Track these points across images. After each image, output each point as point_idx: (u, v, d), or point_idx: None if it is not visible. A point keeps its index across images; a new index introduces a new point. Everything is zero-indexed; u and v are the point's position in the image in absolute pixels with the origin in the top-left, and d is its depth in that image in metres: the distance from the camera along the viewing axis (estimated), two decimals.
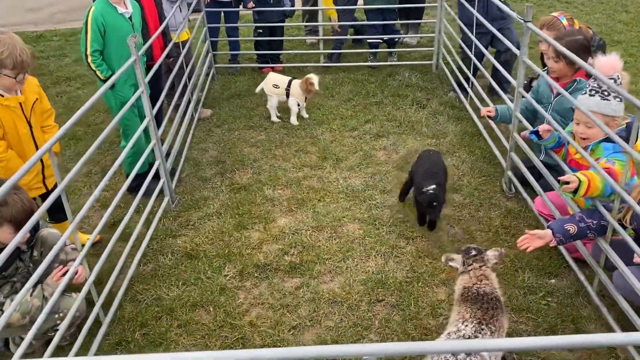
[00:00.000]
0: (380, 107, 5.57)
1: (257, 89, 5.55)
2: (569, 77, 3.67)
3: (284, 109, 5.53)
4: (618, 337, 1.36)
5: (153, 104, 3.94)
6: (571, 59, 3.15)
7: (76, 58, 7.48)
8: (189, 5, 5.32)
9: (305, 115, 5.43)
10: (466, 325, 2.45)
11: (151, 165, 4.11)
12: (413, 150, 4.77)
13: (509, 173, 4.11)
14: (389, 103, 5.65)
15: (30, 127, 3.13)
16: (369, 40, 6.59)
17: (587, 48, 3.60)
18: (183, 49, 5.00)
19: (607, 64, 3.02)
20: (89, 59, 3.85)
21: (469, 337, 2.38)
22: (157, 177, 4.01)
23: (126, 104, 3.54)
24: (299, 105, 5.30)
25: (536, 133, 3.36)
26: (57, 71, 6.96)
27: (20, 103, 3.04)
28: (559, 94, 3.60)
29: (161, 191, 4.08)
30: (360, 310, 3.18)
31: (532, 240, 2.93)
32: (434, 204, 3.65)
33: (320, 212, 4.03)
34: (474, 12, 4.88)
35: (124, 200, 4.06)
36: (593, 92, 3.03)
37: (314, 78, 5.19)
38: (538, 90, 3.91)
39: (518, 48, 3.82)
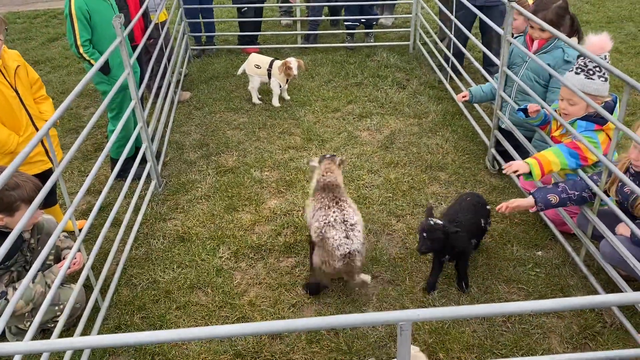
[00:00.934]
0: (361, 88, 5.61)
1: (239, 71, 5.49)
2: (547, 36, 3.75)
3: (264, 91, 5.50)
4: (598, 298, 1.45)
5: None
6: (554, 34, 3.24)
7: (43, 41, 7.24)
8: None
9: (287, 97, 5.41)
10: (328, 207, 2.97)
11: (137, 149, 4.05)
12: (397, 130, 4.83)
13: (493, 150, 4.22)
14: (370, 84, 5.68)
15: (19, 95, 3.04)
16: (345, 22, 6.60)
17: (566, 9, 3.69)
18: (162, 30, 4.90)
19: (597, 44, 3.10)
20: (81, 50, 3.72)
21: (334, 216, 2.92)
22: (141, 161, 3.95)
23: (123, 88, 3.47)
24: (280, 86, 5.28)
25: (524, 111, 3.46)
26: (24, 54, 6.62)
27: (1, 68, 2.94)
28: (535, 53, 3.71)
29: (147, 175, 4.02)
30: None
31: (512, 203, 3.07)
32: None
33: (309, 193, 4.05)
34: None
35: (100, 182, 4.01)
36: (579, 70, 3.14)
37: (293, 62, 5.15)
38: (511, 52, 3.98)
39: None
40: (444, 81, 5.51)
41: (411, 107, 5.21)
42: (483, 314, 1.51)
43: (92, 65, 3.71)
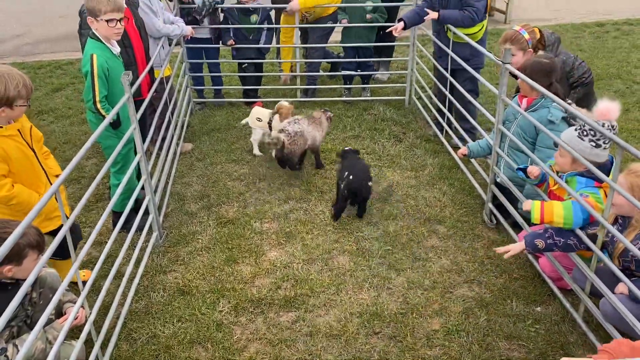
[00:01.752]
0: (359, 141, 5.73)
1: (242, 122, 5.66)
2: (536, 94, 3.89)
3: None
4: None
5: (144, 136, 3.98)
6: (534, 87, 3.40)
7: (47, 91, 7.38)
8: (170, 42, 5.39)
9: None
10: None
11: (137, 201, 4.10)
12: (394, 182, 4.92)
13: (490, 205, 4.30)
14: (367, 137, 5.81)
15: (35, 154, 3.12)
16: (343, 75, 6.80)
17: (548, 72, 3.82)
18: (166, 84, 5.04)
19: (601, 109, 3.14)
20: (99, 105, 3.79)
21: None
22: (136, 210, 4.00)
23: (129, 141, 3.58)
24: None
25: (523, 170, 3.56)
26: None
27: (18, 130, 3.02)
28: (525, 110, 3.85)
29: (149, 227, 4.05)
30: (358, 343, 3.23)
31: (507, 248, 3.25)
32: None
33: (310, 245, 4.09)
34: (449, 52, 5.13)
35: (108, 235, 4.03)
36: (577, 127, 3.23)
37: (284, 103, 5.41)
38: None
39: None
40: (440, 135, 5.64)
41: (408, 160, 5.31)
42: None
43: (102, 117, 3.81)
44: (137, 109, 3.82)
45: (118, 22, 3.78)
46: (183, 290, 3.66)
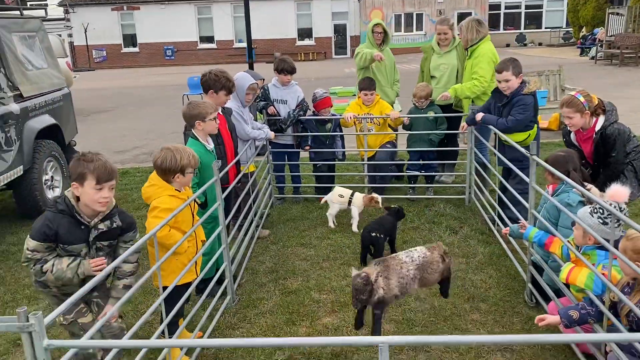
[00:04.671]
0: (417, 232, 6.29)
1: (322, 200, 6.68)
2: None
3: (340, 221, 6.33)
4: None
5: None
6: (565, 181, 3.89)
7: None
8: (257, 147, 6.50)
9: (355, 230, 6.24)
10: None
11: (216, 270, 4.90)
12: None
13: (529, 285, 4.62)
14: (425, 229, 6.36)
15: (193, 218, 4.09)
16: (408, 176, 7.53)
17: (564, 163, 4.32)
18: (250, 177, 6.03)
19: (613, 192, 3.61)
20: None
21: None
22: (218, 282, 4.79)
23: (213, 218, 4.58)
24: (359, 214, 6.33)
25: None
26: (138, 199, 8.14)
27: (187, 197, 4.00)
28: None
29: (224, 292, 4.80)
30: None
31: (545, 320, 3.50)
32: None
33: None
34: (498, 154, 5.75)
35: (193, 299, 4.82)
36: (595, 211, 3.66)
37: (379, 197, 6.32)
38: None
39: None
40: (493, 229, 6.07)
41: (461, 249, 5.76)
42: (453, 342, 2.02)
43: (198, 203, 4.77)
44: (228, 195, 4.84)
45: (214, 120, 4.87)
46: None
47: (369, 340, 1.98)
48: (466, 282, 5.05)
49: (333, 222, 6.54)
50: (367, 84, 7.29)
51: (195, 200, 4.70)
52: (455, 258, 5.57)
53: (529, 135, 5.68)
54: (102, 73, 36.05)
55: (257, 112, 7.22)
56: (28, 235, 3.40)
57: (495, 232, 5.98)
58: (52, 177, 7.70)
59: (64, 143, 8.14)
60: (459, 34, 7.37)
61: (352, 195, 6.43)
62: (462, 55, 7.40)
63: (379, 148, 7.45)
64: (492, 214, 6.19)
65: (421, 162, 7.40)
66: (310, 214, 6.99)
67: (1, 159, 6.53)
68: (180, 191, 3.98)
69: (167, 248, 3.71)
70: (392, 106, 7.81)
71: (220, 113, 5.46)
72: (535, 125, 5.70)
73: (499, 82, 5.69)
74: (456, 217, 6.69)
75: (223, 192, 4.95)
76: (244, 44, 38.61)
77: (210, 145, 5.02)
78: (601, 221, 3.58)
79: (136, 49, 41.20)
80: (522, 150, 4.76)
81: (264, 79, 6.98)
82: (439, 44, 7.65)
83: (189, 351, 4.01)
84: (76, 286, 3.37)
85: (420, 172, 7.47)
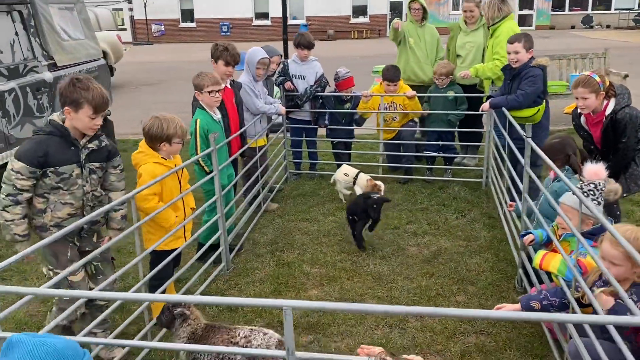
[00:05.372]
0: (425, 213, 6.23)
1: (332, 179, 6.79)
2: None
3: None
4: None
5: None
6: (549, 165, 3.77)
7: None
8: (269, 119, 6.58)
9: None
10: None
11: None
12: (444, 248, 5.32)
13: (520, 270, 4.52)
14: (434, 210, 6.30)
15: (180, 187, 4.23)
16: (426, 157, 7.42)
17: (560, 149, 4.25)
18: (258, 151, 6.13)
19: (592, 171, 3.54)
20: (200, 159, 4.96)
21: None
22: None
23: (224, 187, 4.86)
24: None
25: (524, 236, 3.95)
26: None
27: (175, 165, 4.16)
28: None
29: (219, 259, 4.98)
30: None
31: (503, 306, 3.48)
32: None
33: (346, 288, 4.66)
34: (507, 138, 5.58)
35: (184, 260, 5.01)
36: (586, 195, 3.56)
37: (382, 185, 6.28)
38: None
39: None
40: (501, 214, 5.93)
41: (464, 232, 5.68)
42: (355, 310, 2.05)
43: (204, 170, 4.94)
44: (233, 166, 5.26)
45: (217, 92, 4.98)
46: (230, 309, 4.42)
47: (273, 303, 2.05)
48: (460, 264, 4.99)
49: (343, 197, 6.61)
50: (392, 75, 7.14)
51: (203, 169, 4.90)
52: (455, 241, 5.51)
53: (538, 111, 5.46)
54: (160, 47, 37.03)
55: (277, 87, 7.30)
56: (12, 157, 3.33)
57: (500, 213, 5.85)
58: None
59: None
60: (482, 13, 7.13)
61: (356, 175, 6.45)
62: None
63: (402, 127, 7.36)
64: (501, 198, 6.03)
65: (440, 143, 7.27)
66: (321, 191, 7.05)
67: (34, 125, 6.93)
68: (167, 159, 4.12)
69: (147, 213, 3.88)
70: None
71: (229, 87, 5.59)
72: (544, 101, 5.49)
73: (509, 53, 5.51)
74: (469, 200, 6.57)
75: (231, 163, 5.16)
76: (299, 21, 38.82)
77: (217, 115, 5.16)
78: (596, 202, 3.46)
79: (193, 25, 41.98)
80: (520, 130, 4.62)
81: (281, 55, 7.02)
82: (465, 22, 7.44)
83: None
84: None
85: (439, 153, 7.35)
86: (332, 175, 7.47)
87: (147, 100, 15.30)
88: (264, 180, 6.40)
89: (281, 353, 2.32)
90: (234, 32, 41.32)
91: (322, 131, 7.76)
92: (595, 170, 3.46)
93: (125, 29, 39.00)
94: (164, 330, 3.87)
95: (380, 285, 4.71)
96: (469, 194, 6.77)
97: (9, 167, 3.34)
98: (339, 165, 7.57)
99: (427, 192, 6.87)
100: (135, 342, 3.52)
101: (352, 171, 6.57)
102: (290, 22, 40.86)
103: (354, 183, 6.46)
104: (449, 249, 5.32)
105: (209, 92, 4.91)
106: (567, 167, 4.23)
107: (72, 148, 3.44)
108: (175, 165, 4.16)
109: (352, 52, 27.06)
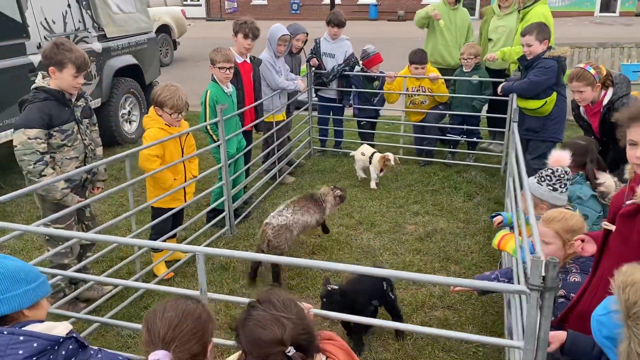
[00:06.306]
0: (433, 195, 6.32)
1: (352, 153, 7.02)
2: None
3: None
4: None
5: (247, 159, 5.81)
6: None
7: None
8: (290, 96, 6.86)
9: (373, 187, 6.49)
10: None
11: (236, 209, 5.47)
12: (440, 228, 5.43)
13: (503, 253, 4.58)
14: (444, 193, 6.37)
15: (182, 153, 4.63)
16: (449, 140, 7.44)
17: (583, 153, 4.14)
18: (275, 126, 6.42)
19: (554, 158, 3.62)
20: (208, 127, 5.35)
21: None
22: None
23: (232, 156, 5.26)
24: (376, 174, 6.54)
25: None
26: None
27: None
28: None
29: (223, 223, 5.37)
30: None
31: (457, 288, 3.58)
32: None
33: (333, 258, 4.90)
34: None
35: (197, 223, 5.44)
36: (542, 180, 3.63)
37: (390, 155, 6.44)
38: None
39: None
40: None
41: (466, 214, 5.75)
42: (265, 259, 2.32)
43: (212, 138, 5.31)
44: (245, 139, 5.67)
45: (227, 69, 5.31)
46: (224, 267, 4.79)
47: (186, 248, 2.35)
48: (450, 244, 5.11)
49: (361, 175, 6.82)
50: (419, 58, 7.17)
51: (212, 137, 5.28)
52: (454, 222, 5.60)
53: (546, 103, 5.39)
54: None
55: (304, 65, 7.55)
56: (18, 131, 3.58)
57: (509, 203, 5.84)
58: (129, 111, 8.73)
59: (144, 82, 9.12)
60: None
61: (371, 155, 6.60)
62: None
63: (430, 110, 7.42)
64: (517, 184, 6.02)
65: (464, 127, 7.26)
66: (340, 168, 7.27)
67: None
68: (170, 126, 4.50)
69: (146, 172, 4.30)
70: None
71: (248, 61, 5.91)
72: (555, 93, 5.40)
73: (522, 45, 5.46)
74: (483, 185, 6.58)
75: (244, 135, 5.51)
76: (369, 1, 38.50)
77: (229, 89, 5.49)
78: (551, 188, 3.53)
79: (265, 2, 42.66)
80: (509, 115, 4.64)
81: (307, 33, 7.23)
82: (500, 5, 7.33)
83: (170, 264, 4.65)
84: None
85: (462, 137, 7.35)
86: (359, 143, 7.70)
87: (204, 76, 15.94)
88: (281, 153, 6.70)
89: (195, 293, 2.63)
90: (303, 10, 41.60)
91: (349, 110, 7.95)
92: (557, 157, 3.52)
93: (199, 5, 40.18)
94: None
95: (367, 257, 4.92)
96: (485, 179, 6.77)
97: (20, 140, 3.59)
98: (363, 136, 7.80)
99: (442, 174, 6.92)
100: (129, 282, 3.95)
101: (369, 151, 6.72)
102: (360, 1, 40.90)
103: (370, 162, 6.62)
104: (444, 229, 5.43)
105: (219, 67, 5.24)
106: (580, 172, 4.18)
107: (67, 108, 3.86)
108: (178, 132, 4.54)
109: (408, 34, 26.51)
